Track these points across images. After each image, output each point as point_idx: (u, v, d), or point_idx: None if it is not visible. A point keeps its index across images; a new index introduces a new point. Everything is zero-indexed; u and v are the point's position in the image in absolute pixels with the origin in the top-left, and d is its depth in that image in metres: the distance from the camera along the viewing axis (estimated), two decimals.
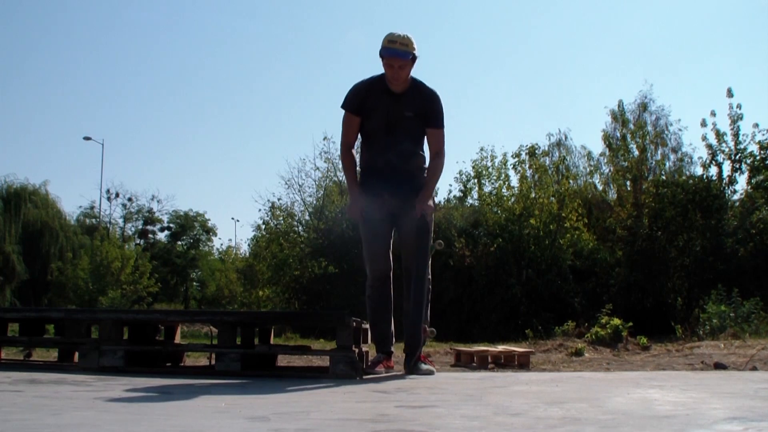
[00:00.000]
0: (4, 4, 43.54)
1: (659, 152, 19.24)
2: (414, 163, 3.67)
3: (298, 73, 52.69)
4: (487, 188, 15.73)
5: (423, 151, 3.72)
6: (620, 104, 19.88)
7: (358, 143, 3.85)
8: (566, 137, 21.70)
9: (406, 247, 3.65)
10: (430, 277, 3.67)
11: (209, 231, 38.77)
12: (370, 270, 3.63)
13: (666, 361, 4.87)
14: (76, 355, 3.61)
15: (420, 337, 3.62)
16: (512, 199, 15.12)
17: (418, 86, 3.57)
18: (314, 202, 17.22)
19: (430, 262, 3.66)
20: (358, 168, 3.78)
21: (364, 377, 3.30)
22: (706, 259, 13.34)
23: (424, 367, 3.56)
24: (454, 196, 17.18)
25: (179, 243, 37.87)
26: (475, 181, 16.08)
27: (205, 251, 38.56)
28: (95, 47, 50.15)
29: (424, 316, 3.61)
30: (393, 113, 3.53)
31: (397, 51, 3.39)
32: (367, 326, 3.60)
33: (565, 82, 44.68)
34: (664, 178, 15.44)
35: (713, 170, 14.19)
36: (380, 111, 3.54)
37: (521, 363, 4.57)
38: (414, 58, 3.45)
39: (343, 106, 3.59)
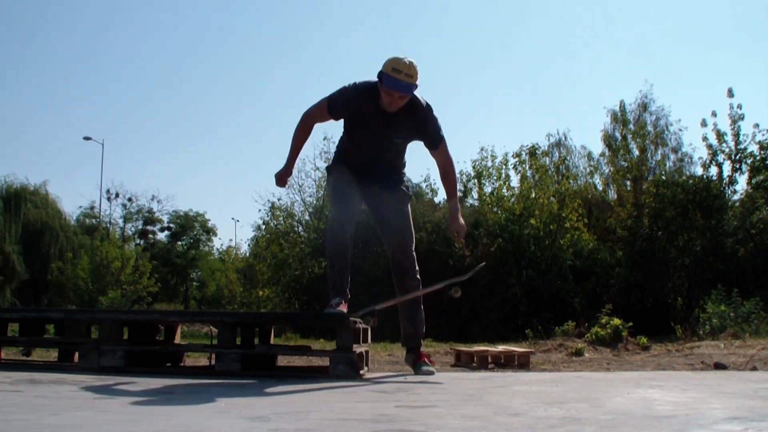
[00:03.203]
0: (4, 4, 43.57)
1: (659, 152, 19.24)
2: (395, 169, 3.62)
3: (298, 72, 52.71)
4: (488, 188, 15.75)
5: (405, 156, 3.66)
6: (621, 104, 19.89)
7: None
8: (566, 137, 21.72)
9: (389, 234, 3.57)
10: (419, 277, 3.61)
11: (209, 231, 38.84)
12: (337, 210, 3.49)
13: (666, 361, 4.87)
14: (76, 355, 3.61)
15: (419, 334, 3.59)
16: (512, 199, 15.12)
17: (412, 105, 3.32)
18: (314, 202, 17.24)
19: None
20: (335, 148, 3.72)
21: (359, 376, 3.29)
22: (706, 259, 13.35)
23: (425, 368, 3.55)
24: None
25: (179, 243, 37.90)
26: (475, 181, 16.09)
27: (205, 251, 38.61)
28: (95, 47, 50.22)
29: (419, 312, 3.59)
30: (381, 137, 3.41)
31: (401, 84, 3.16)
32: (367, 326, 3.59)
33: (565, 82, 44.77)
34: (664, 178, 15.44)
35: (713, 170, 14.24)
36: (368, 130, 3.39)
37: (521, 363, 4.57)
38: (415, 89, 3.24)
39: (328, 102, 3.38)
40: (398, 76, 3.15)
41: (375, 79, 3.28)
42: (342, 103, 3.36)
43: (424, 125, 3.40)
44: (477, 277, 13.76)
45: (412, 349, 3.65)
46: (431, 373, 3.52)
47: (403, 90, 3.17)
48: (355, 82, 3.39)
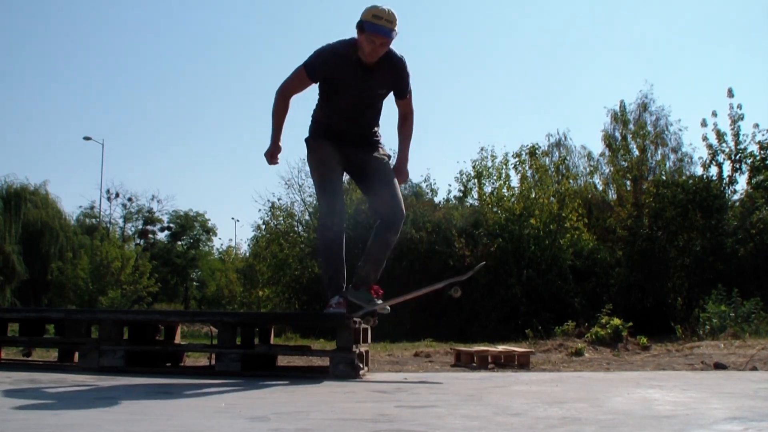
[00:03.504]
0: (4, 4, 43.57)
1: (659, 152, 19.24)
2: (373, 128, 3.64)
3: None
4: (488, 188, 15.75)
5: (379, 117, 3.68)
6: (621, 104, 19.89)
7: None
8: (566, 137, 21.73)
9: (374, 186, 3.56)
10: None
11: (209, 231, 38.83)
12: (326, 205, 3.49)
13: (666, 361, 4.87)
14: (76, 355, 3.61)
15: (377, 275, 3.55)
16: (512, 199, 15.11)
17: (388, 55, 3.36)
18: (314, 202, 17.21)
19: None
20: (311, 119, 3.64)
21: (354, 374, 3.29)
22: (706, 259, 13.34)
23: (379, 302, 3.47)
24: (454, 196, 17.19)
25: (179, 243, 37.90)
26: (475, 181, 16.08)
27: (205, 251, 38.60)
28: (95, 47, 50.21)
29: (383, 261, 3.57)
30: (365, 90, 3.41)
31: (383, 28, 3.19)
32: (366, 326, 3.59)
33: (565, 82, 44.74)
34: (664, 178, 15.45)
35: (713, 170, 14.23)
36: (351, 87, 3.38)
37: (521, 363, 4.57)
38: (395, 36, 3.28)
39: (305, 67, 3.36)
40: (379, 22, 3.19)
41: (349, 37, 3.33)
42: (321, 64, 3.35)
43: (402, 72, 3.45)
44: (477, 277, 13.76)
45: (365, 283, 3.55)
46: (385, 309, 3.47)
47: (385, 34, 3.22)
48: (329, 43, 3.40)
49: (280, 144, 3.50)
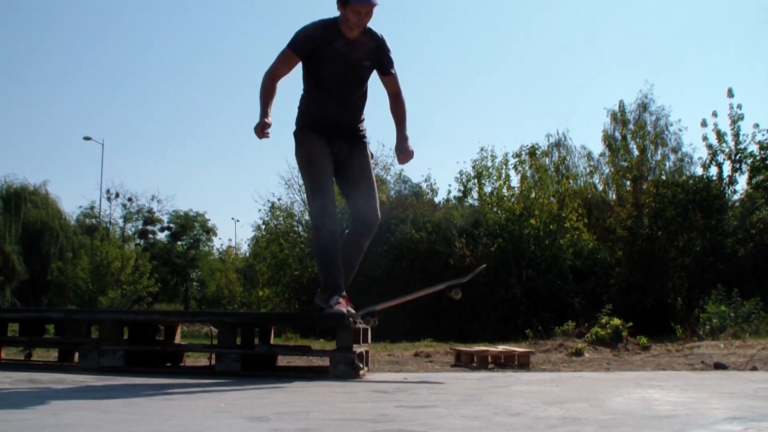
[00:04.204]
0: (4, 3, 43.57)
1: (659, 152, 19.27)
2: (360, 115, 3.64)
3: (298, 72, 52.60)
4: (488, 188, 15.74)
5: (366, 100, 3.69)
6: (620, 104, 19.90)
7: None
8: (565, 137, 21.74)
9: (355, 189, 3.57)
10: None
11: (209, 231, 38.83)
12: (319, 205, 3.46)
13: (666, 361, 4.87)
14: (76, 355, 3.61)
15: (349, 280, 3.54)
16: (512, 199, 15.11)
17: (369, 31, 3.42)
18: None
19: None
20: (298, 111, 3.62)
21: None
22: (706, 259, 13.34)
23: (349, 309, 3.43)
24: (454, 196, 17.19)
25: (179, 243, 37.89)
26: (475, 181, 16.07)
27: (205, 251, 38.60)
28: (95, 47, 50.23)
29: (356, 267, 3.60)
30: (351, 62, 3.41)
31: None
32: (366, 326, 3.59)
33: (565, 82, 44.75)
34: (664, 178, 15.45)
35: (713, 170, 14.24)
36: (337, 61, 3.39)
37: (521, 363, 4.57)
38: (377, 2, 3.31)
39: (289, 46, 3.39)
40: None
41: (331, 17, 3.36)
42: (306, 40, 3.38)
43: (383, 46, 3.48)
44: (477, 277, 13.75)
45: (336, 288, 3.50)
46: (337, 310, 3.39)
47: (368, 2, 3.25)
48: (312, 21, 3.44)
49: (269, 120, 3.40)
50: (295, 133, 3.58)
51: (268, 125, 3.39)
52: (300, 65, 3.48)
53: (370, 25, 3.39)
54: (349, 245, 3.55)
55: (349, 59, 3.41)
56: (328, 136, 3.50)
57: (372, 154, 3.71)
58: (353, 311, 3.44)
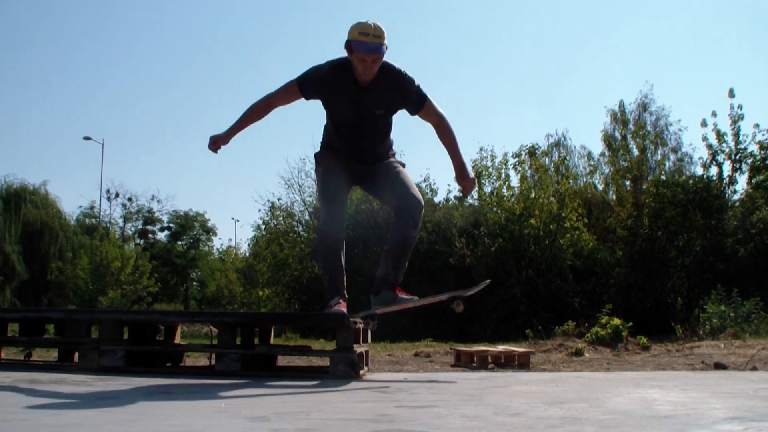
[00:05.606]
0: (4, 4, 43.57)
1: (659, 152, 19.25)
2: (382, 145, 3.53)
3: (298, 72, 52.60)
4: (488, 188, 15.74)
5: (391, 136, 3.57)
6: (620, 104, 19.90)
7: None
8: (565, 137, 21.76)
9: (386, 184, 3.47)
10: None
11: (209, 231, 38.82)
12: (328, 211, 3.40)
13: (666, 361, 4.87)
14: (76, 355, 3.61)
15: (397, 280, 3.41)
16: (512, 199, 15.12)
17: (386, 72, 3.23)
18: (314, 202, 17.22)
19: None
20: (323, 130, 3.57)
21: (359, 378, 3.29)
22: (706, 259, 13.35)
23: (406, 296, 3.36)
24: (454, 196, 17.20)
25: (179, 243, 37.88)
26: (475, 181, 16.06)
27: (205, 251, 38.59)
28: (95, 47, 50.21)
29: (406, 259, 3.46)
30: (362, 111, 3.30)
31: (371, 45, 3.08)
32: (366, 326, 3.58)
33: (565, 82, 44.74)
34: (664, 178, 15.45)
35: (713, 170, 14.25)
36: (347, 107, 3.30)
37: (521, 363, 4.57)
38: (386, 50, 3.16)
39: (297, 81, 3.28)
40: (366, 39, 3.09)
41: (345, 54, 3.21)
42: (315, 81, 3.27)
43: (402, 86, 3.30)
44: (477, 278, 13.76)
45: (389, 283, 3.42)
46: (390, 302, 3.36)
47: (374, 51, 3.10)
48: (327, 60, 3.31)
49: (228, 140, 3.35)
50: (316, 156, 3.58)
51: (223, 144, 3.35)
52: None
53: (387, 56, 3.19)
54: (392, 236, 3.43)
55: (358, 109, 3.30)
56: (347, 159, 3.48)
57: (403, 164, 3.60)
58: (408, 297, 3.34)
